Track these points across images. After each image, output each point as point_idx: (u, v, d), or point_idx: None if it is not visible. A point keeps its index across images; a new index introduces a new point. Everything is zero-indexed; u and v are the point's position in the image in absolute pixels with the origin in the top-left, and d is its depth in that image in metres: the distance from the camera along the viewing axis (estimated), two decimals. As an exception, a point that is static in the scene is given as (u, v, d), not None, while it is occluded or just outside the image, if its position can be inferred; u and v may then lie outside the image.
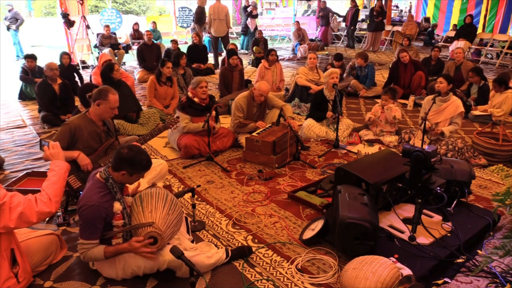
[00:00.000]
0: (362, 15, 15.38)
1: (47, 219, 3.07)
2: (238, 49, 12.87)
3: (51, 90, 5.31)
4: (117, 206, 2.25)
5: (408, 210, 2.92)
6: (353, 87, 6.94)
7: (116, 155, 2.27)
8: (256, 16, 12.38)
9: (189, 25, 13.39)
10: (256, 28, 12.14)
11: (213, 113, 4.30)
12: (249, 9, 12.23)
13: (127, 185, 2.47)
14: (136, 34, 11.07)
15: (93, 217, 2.17)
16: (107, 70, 4.99)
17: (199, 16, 10.43)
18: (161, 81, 5.53)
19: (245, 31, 12.43)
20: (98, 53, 9.54)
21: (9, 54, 11.21)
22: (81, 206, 2.18)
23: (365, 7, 16.48)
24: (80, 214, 2.20)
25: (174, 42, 8.79)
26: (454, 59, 6.79)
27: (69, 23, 9.56)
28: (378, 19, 12.15)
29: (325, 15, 13.64)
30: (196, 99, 4.25)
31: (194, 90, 4.24)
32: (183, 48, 9.49)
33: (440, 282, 2.31)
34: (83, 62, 10.09)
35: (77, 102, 5.91)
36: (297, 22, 12.53)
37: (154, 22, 11.66)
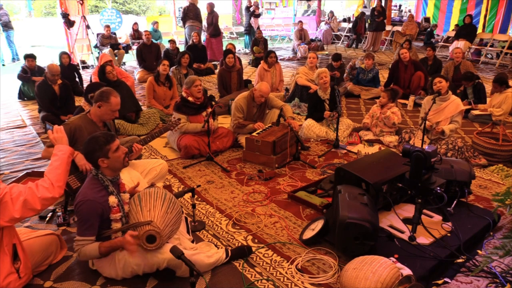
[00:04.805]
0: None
1: (47, 218, 3.08)
2: (242, 48, 12.91)
3: (51, 91, 5.30)
4: (112, 199, 2.26)
5: (408, 210, 2.92)
6: (351, 91, 6.89)
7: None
8: (259, 16, 12.39)
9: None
10: (258, 27, 12.14)
11: (210, 110, 4.34)
12: (251, 9, 12.24)
13: (124, 183, 2.46)
14: (136, 34, 11.06)
15: (89, 212, 2.18)
16: (101, 74, 4.94)
17: (196, 13, 10.37)
18: (160, 81, 5.53)
19: (249, 30, 12.40)
20: (98, 53, 9.54)
21: (6, 56, 11.19)
22: (77, 202, 2.20)
23: (364, 6, 16.50)
24: (76, 210, 2.21)
25: (173, 42, 8.78)
26: (453, 59, 6.79)
27: (69, 23, 9.56)
28: (379, 19, 12.13)
29: (211, 23, 10.39)
30: (190, 98, 4.25)
31: (189, 90, 4.25)
32: (183, 48, 9.49)
33: (440, 282, 2.31)
34: (83, 62, 10.09)
35: (78, 102, 5.95)
36: (300, 22, 12.51)
37: (156, 22, 11.60)
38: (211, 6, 10.52)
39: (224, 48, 10.64)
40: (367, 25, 13.05)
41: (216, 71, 9.00)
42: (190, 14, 10.26)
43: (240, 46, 13.15)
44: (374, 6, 12.49)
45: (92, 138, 2.28)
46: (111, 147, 2.26)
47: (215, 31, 10.41)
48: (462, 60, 6.67)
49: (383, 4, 14.32)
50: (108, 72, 4.93)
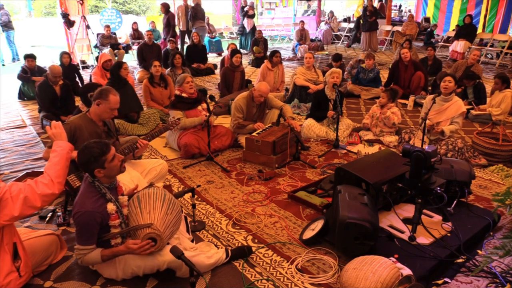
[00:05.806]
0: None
1: (47, 218, 3.07)
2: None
3: (52, 91, 5.30)
4: (110, 206, 2.22)
5: (408, 210, 2.92)
6: (351, 91, 6.88)
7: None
8: (252, 16, 12.40)
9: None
10: (253, 28, 12.16)
11: (204, 105, 4.38)
12: (245, 9, 12.27)
13: (121, 184, 2.46)
14: (136, 34, 11.07)
15: (88, 223, 2.15)
16: (116, 68, 5.02)
17: (202, 14, 10.33)
18: (155, 82, 5.55)
19: (241, 31, 12.48)
20: (98, 53, 9.54)
21: (6, 56, 11.19)
22: (75, 212, 2.16)
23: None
24: (75, 221, 2.18)
25: (172, 42, 8.79)
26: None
27: (69, 23, 9.56)
28: (371, 19, 12.13)
29: (168, 25, 10.08)
30: (184, 94, 4.30)
31: (181, 87, 4.31)
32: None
33: (440, 282, 2.31)
34: (83, 62, 10.09)
35: (78, 102, 5.94)
36: (302, 21, 12.53)
37: (153, 22, 11.67)
38: (165, 7, 10.06)
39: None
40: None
41: (216, 71, 9.01)
42: (199, 15, 10.27)
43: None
44: (365, 5, 12.47)
45: (86, 149, 2.19)
46: (106, 158, 2.20)
47: (173, 34, 10.16)
48: (475, 63, 6.67)
49: (383, 2, 14.28)
50: (125, 68, 5.06)
